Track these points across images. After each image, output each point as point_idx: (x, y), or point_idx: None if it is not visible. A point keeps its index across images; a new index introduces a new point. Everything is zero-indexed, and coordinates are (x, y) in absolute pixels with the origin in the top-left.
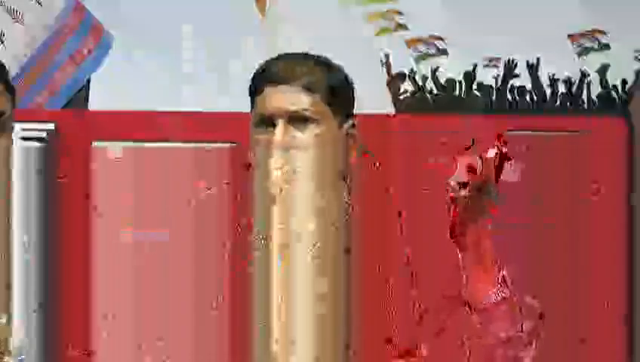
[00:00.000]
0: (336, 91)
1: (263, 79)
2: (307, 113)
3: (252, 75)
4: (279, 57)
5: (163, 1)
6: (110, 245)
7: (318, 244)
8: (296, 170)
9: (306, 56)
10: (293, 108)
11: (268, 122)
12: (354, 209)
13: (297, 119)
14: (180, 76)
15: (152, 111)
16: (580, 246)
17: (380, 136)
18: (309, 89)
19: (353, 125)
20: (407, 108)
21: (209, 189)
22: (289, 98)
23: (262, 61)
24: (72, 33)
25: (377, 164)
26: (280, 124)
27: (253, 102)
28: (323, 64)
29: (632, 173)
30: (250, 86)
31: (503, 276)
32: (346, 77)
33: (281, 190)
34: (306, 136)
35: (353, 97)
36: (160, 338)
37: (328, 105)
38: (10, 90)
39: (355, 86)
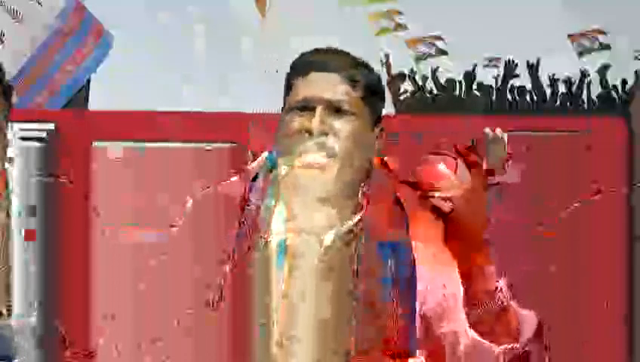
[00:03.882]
0: (372, 91)
1: (306, 66)
2: (346, 105)
3: (293, 62)
4: (323, 49)
5: (163, 1)
6: (110, 245)
7: (328, 241)
8: (324, 156)
9: (347, 52)
10: (333, 97)
11: (305, 107)
12: (366, 205)
13: (335, 109)
14: (180, 76)
15: (152, 111)
16: (580, 246)
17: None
18: (350, 81)
19: (382, 130)
20: (407, 109)
21: (207, 188)
22: (331, 87)
23: (262, 60)
24: (72, 33)
25: (391, 168)
26: (319, 109)
27: (290, 87)
28: (363, 63)
29: (632, 173)
30: (290, 73)
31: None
32: (380, 81)
33: (294, 170)
34: (342, 126)
35: (384, 103)
36: (159, 339)
37: (364, 102)
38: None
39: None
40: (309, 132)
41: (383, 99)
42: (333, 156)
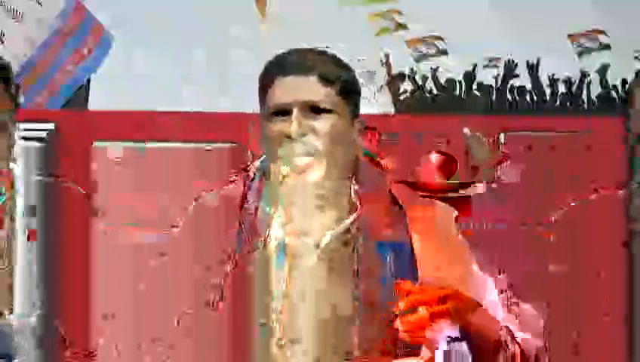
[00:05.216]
0: (349, 87)
1: (278, 69)
2: (322, 103)
3: (265, 66)
4: (294, 50)
5: (163, 1)
6: (110, 245)
7: (324, 241)
8: (309, 157)
9: (319, 50)
10: (309, 97)
11: (282, 112)
12: (360, 204)
13: (312, 109)
14: (180, 76)
15: (152, 111)
16: (580, 246)
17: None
18: (325, 80)
19: (362, 124)
20: (407, 109)
21: (210, 191)
22: (305, 87)
23: (262, 60)
24: (72, 33)
25: (383, 166)
26: (295, 111)
27: (264, 94)
28: (337, 59)
29: (632, 174)
30: (263, 77)
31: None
32: (356, 77)
33: (284, 177)
34: (320, 125)
35: (360, 97)
36: (159, 339)
37: (341, 98)
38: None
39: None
40: (289, 136)
41: (359, 95)
42: (316, 154)
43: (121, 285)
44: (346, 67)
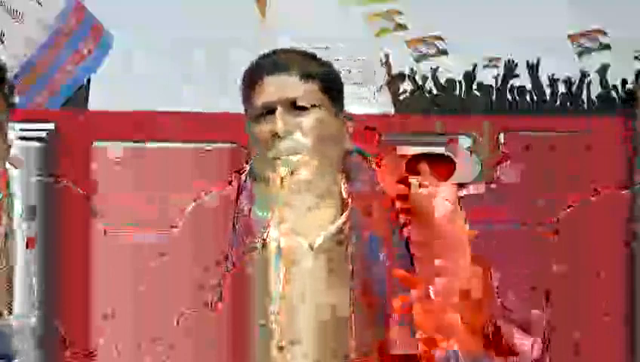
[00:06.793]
0: (331, 83)
1: (259, 71)
2: (305, 100)
3: (246, 70)
4: (272, 51)
5: (163, 1)
6: (110, 245)
7: (318, 242)
8: (298, 155)
9: (299, 50)
10: (291, 94)
11: (268, 112)
12: (352, 202)
13: (296, 106)
14: (180, 76)
15: (152, 112)
16: (581, 246)
17: (379, 136)
18: (306, 77)
19: (349, 118)
20: (407, 109)
21: (210, 193)
22: (287, 85)
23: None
24: (72, 33)
25: (375, 165)
26: (279, 109)
27: (248, 97)
28: (316, 58)
29: (637, 174)
30: (245, 81)
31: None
32: (336, 72)
33: (282, 179)
34: (306, 121)
35: (343, 92)
36: (159, 339)
37: (325, 95)
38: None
39: (355, 86)
40: (276, 135)
41: (342, 91)
42: (305, 151)
43: (121, 285)
44: (326, 64)
